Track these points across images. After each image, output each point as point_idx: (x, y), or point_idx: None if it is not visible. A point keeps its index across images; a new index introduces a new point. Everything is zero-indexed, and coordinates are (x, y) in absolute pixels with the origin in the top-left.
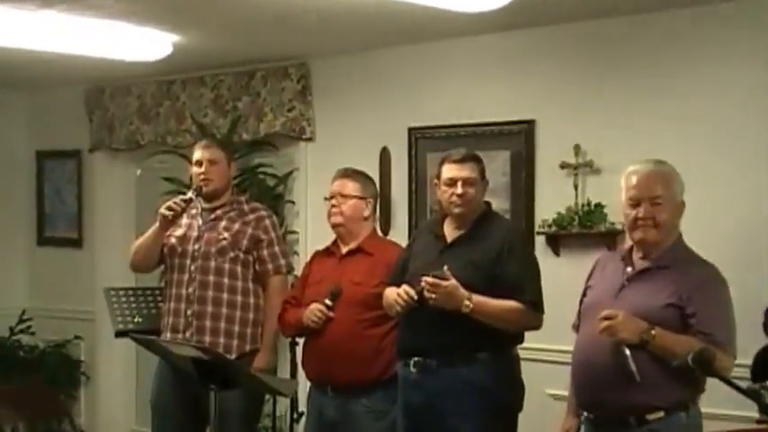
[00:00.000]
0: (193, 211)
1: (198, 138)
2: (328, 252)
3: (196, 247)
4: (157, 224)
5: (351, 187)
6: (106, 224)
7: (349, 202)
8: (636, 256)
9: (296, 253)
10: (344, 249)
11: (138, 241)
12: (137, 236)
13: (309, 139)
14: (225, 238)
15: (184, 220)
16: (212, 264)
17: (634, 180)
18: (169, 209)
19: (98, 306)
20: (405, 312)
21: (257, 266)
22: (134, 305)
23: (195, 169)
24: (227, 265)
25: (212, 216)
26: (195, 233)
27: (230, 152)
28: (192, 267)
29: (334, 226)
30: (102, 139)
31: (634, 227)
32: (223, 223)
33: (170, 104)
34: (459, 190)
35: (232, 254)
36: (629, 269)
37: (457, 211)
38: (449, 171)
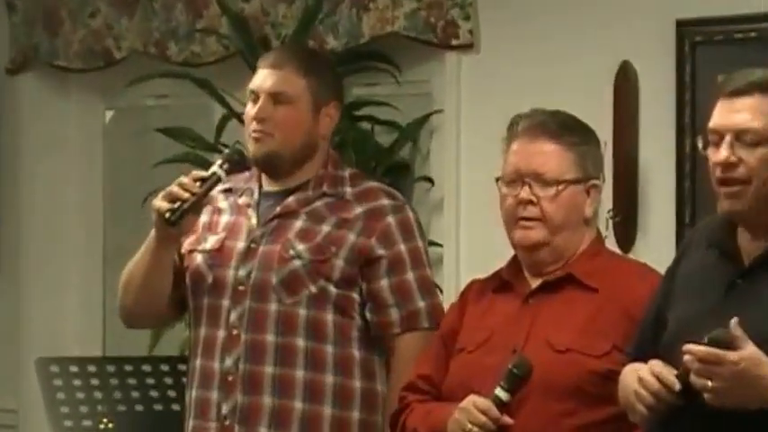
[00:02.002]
0: (241, 200)
1: (234, 46)
2: (501, 284)
3: (242, 272)
4: (153, 232)
5: (558, 162)
6: (44, 223)
7: (557, 194)
8: None
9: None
10: (535, 281)
11: (129, 264)
12: (106, 247)
13: (466, 48)
14: (298, 255)
15: (225, 218)
16: (272, 307)
17: None
18: (171, 198)
19: (27, 397)
20: (657, 419)
21: (369, 314)
22: (101, 396)
23: (248, 107)
24: (302, 311)
25: (278, 209)
26: (242, 243)
27: (328, 78)
28: (233, 315)
29: (527, 249)
30: (35, 47)
31: None
32: (298, 223)
33: None
34: (721, 154)
35: (313, 287)
36: None
37: (725, 202)
38: (714, 116)
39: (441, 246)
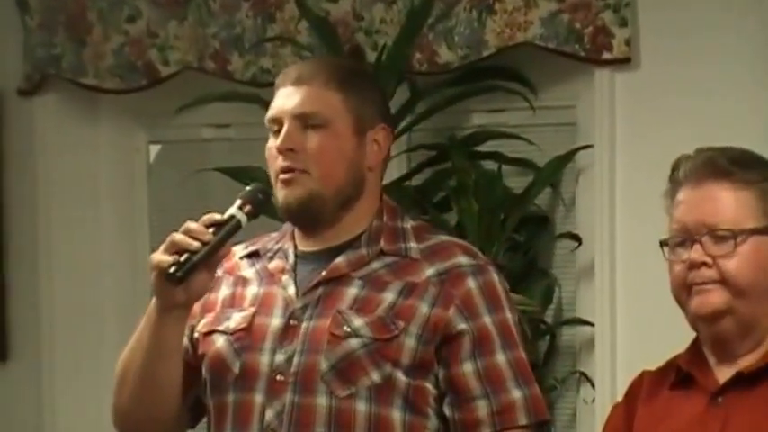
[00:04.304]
0: (272, 265)
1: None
2: (679, 377)
3: (279, 357)
4: (152, 302)
5: (733, 207)
6: (70, 295)
7: (736, 248)
8: None
9: (583, 374)
10: (724, 371)
11: (125, 350)
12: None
13: (622, 63)
14: (355, 332)
15: (252, 289)
16: (321, 401)
17: None
18: (175, 249)
19: None
20: None
21: (448, 409)
22: None
23: (269, 142)
24: (361, 407)
25: (324, 273)
26: (278, 319)
27: (370, 94)
28: (269, 413)
29: (708, 318)
30: (56, 60)
31: None
32: (352, 291)
33: None
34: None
35: (376, 375)
36: None
37: None
38: None
39: (591, 324)
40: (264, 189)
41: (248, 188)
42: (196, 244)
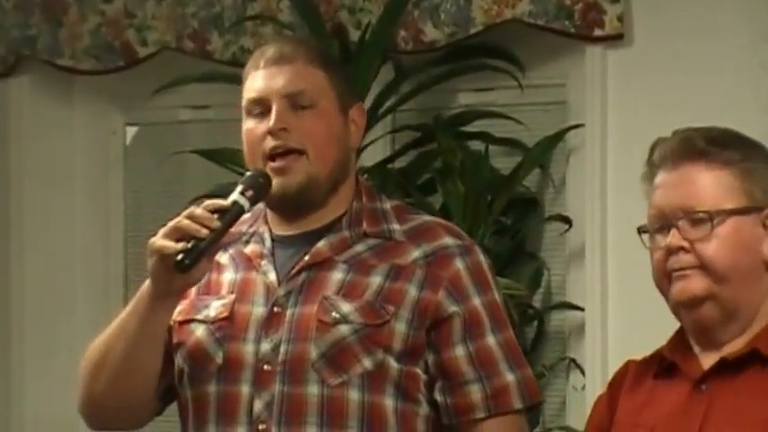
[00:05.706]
0: (249, 250)
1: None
2: (663, 366)
3: (265, 346)
4: (145, 288)
5: (710, 187)
6: (42, 279)
7: (714, 230)
8: None
9: (572, 361)
10: (708, 358)
11: (101, 337)
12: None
13: (614, 40)
14: (344, 318)
15: (228, 275)
16: (312, 390)
17: None
18: (180, 236)
19: None
20: None
21: (440, 395)
22: None
23: (249, 125)
24: (354, 395)
25: (306, 258)
26: (261, 307)
27: (344, 73)
28: (257, 405)
29: (688, 305)
30: (32, 41)
31: None
32: (337, 275)
33: None
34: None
35: (368, 362)
36: None
37: None
38: None
39: (581, 309)
40: (265, 173)
41: (249, 173)
42: (205, 231)
